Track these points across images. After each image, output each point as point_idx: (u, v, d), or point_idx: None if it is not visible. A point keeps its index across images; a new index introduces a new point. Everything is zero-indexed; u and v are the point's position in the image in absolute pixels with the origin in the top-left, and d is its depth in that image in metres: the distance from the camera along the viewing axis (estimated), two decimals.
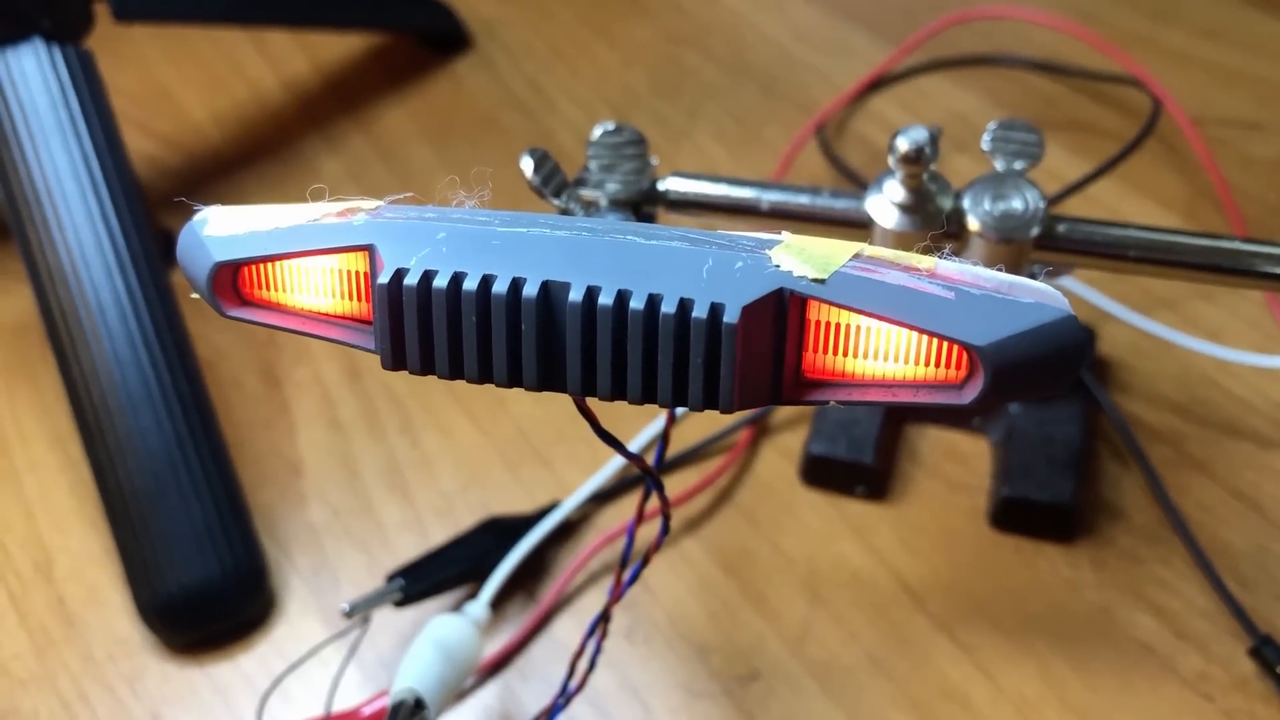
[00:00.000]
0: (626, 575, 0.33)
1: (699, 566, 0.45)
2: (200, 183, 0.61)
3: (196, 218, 0.25)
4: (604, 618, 0.34)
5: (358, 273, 0.24)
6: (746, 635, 0.43)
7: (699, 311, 0.21)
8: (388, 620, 0.43)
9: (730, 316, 0.20)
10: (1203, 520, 0.44)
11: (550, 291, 0.21)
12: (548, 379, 0.22)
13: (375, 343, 0.23)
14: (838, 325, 0.22)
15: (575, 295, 0.21)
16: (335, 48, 0.68)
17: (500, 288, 0.21)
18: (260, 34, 0.70)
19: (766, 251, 0.22)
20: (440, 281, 0.22)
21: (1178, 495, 0.45)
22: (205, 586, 0.42)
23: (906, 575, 0.44)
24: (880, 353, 0.22)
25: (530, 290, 0.21)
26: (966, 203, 0.35)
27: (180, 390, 0.44)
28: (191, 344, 0.46)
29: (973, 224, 0.36)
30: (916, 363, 0.22)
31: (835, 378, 0.22)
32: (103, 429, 0.43)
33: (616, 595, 0.33)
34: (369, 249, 0.23)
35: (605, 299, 0.21)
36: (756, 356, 0.21)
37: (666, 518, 0.30)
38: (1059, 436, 0.45)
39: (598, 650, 0.35)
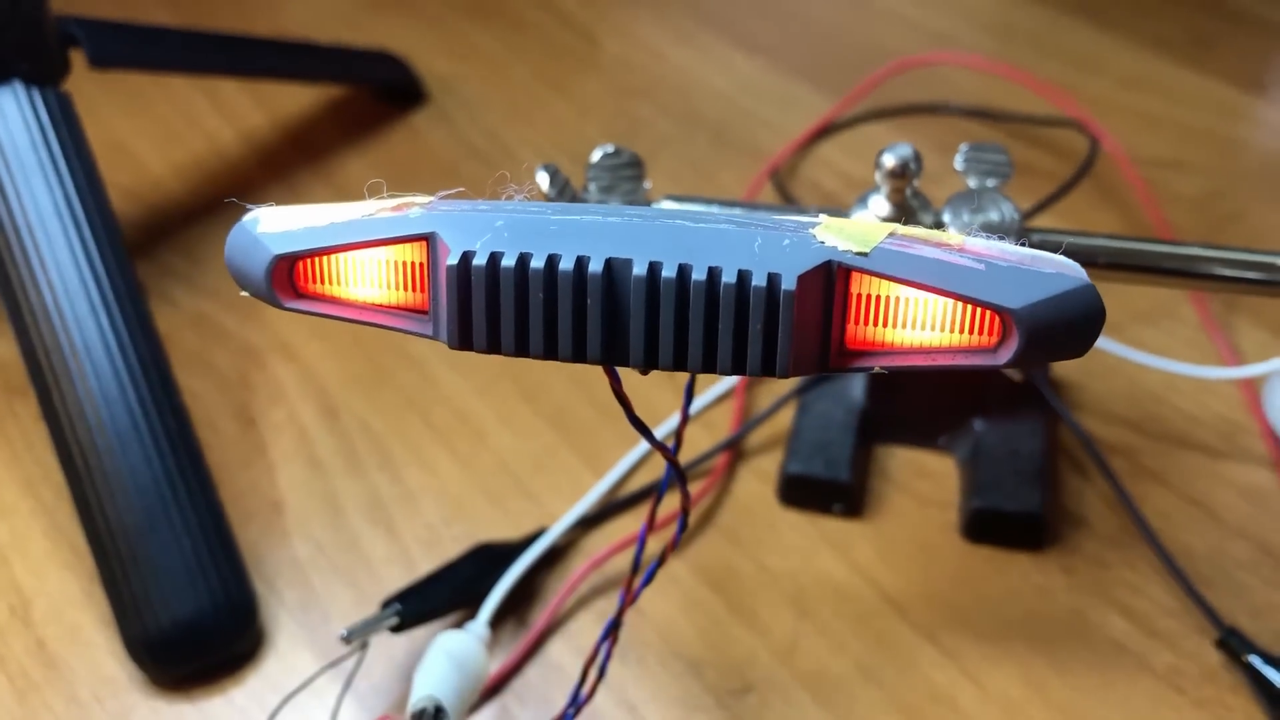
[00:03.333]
0: (640, 578, 0.34)
1: (686, 586, 0.46)
2: (162, 233, 0.61)
3: (247, 218, 0.26)
4: (617, 623, 0.35)
5: (413, 264, 0.25)
6: (738, 650, 0.44)
7: (758, 280, 0.22)
8: (381, 649, 0.43)
9: (788, 284, 0.22)
10: (1162, 526, 0.47)
11: (613, 268, 0.23)
12: (610, 352, 0.23)
13: (437, 327, 0.24)
14: (877, 297, 0.24)
15: (639, 270, 0.22)
16: (291, 102, 0.69)
17: (567, 265, 0.22)
18: (214, 89, 0.70)
19: (810, 230, 0.23)
20: (508, 261, 0.23)
21: (1137, 503, 0.47)
22: (197, 619, 0.42)
23: (887, 587, 0.45)
24: (918, 322, 0.24)
25: (596, 266, 0.22)
26: (947, 216, 0.38)
27: (168, 425, 0.44)
28: (175, 381, 0.46)
29: None
30: (952, 330, 0.24)
31: (876, 347, 0.24)
32: (89, 466, 0.43)
33: (631, 598, 0.34)
34: (429, 238, 0.24)
35: (668, 272, 0.22)
36: (808, 324, 0.23)
37: (685, 513, 0.31)
38: (1023, 451, 0.47)
39: (608, 657, 0.36)
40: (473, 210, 0.24)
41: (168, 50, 0.55)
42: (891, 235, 0.23)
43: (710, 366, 0.23)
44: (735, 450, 0.50)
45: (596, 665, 0.36)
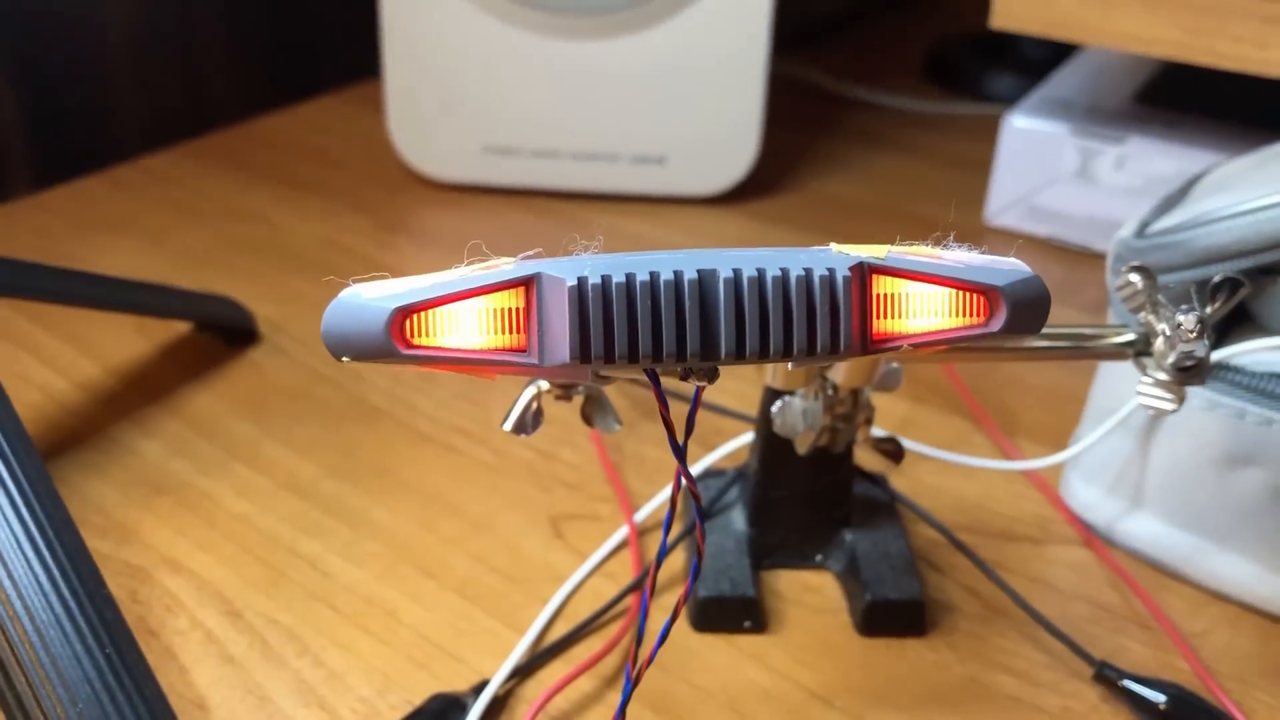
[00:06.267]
0: (654, 645, 0.37)
1: (632, 714, 0.48)
2: None
3: (345, 292, 0.30)
4: (628, 697, 0.37)
5: (508, 309, 0.29)
6: None
7: (820, 273, 0.28)
8: None
9: (844, 274, 0.28)
10: None
11: (702, 277, 0.28)
12: (706, 351, 0.28)
13: (544, 354, 0.28)
14: (891, 295, 0.30)
15: (726, 274, 0.28)
16: (116, 349, 0.70)
17: (668, 276, 0.28)
18: (35, 346, 0.70)
19: (832, 249, 0.30)
20: (618, 279, 0.28)
21: (993, 584, 0.54)
22: None
23: (809, 684, 0.50)
24: (924, 312, 0.30)
25: (691, 275, 0.28)
26: None
27: (104, 616, 0.43)
28: (100, 573, 0.45)
29: None
30: (951, 316, 0.30)
31: (894, 336, 0.30)
32: (23, 666, 0.41)
33: (646, 661, 0.37)
34: (533, 279, 0.29)
35: (750, 273, 0.28)
36: (856, 311, 0.29)
37: (700, 556, 0.35)
38: (893, 551, 0.54)
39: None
40: (561, 259, 0.29)
41: (40, 280, 0.56)
42: (890, 251, 0.30)
43: (788, 353, 0.28)
44: (640, 592, 0.54)
45: None
